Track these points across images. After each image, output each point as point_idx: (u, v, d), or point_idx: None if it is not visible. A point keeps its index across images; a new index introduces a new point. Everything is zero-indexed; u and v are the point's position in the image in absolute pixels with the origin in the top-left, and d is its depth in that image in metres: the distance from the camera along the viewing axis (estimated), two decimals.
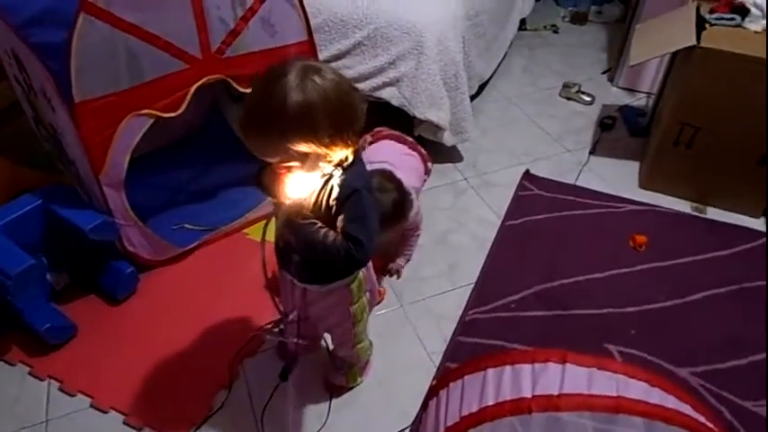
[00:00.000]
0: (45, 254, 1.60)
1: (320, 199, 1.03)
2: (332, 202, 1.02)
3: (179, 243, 1.80)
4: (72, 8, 1.31)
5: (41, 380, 1.50)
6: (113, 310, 1.67)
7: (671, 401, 0.88)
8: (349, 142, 1.00)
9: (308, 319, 1.30)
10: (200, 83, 1.57)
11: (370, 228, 1.05)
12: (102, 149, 1.47)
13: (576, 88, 2.66)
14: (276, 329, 1.35)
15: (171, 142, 2.17)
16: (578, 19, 3.34)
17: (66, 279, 1.67)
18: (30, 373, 1.52)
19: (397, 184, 1.50)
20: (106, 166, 1.49)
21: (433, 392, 1.08)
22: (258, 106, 0.96)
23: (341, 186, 1.01)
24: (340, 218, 1.03)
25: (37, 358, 1.54)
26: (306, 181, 1.02)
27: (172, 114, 1.54)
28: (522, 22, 3.06)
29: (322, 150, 0.97)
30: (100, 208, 1.57)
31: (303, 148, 0.96)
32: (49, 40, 1.36)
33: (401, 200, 1.48)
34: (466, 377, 1.00)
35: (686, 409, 0.89)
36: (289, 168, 1.03)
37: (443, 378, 1.06)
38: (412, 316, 1.68)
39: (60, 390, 1.48)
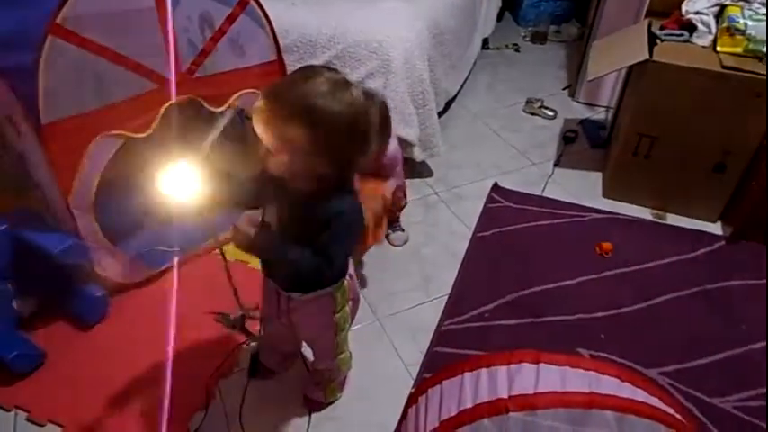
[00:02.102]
0: (11, 280, 1.56)
1: (304, 214, 1.06)
2: (317, 221, 1.04)
3: (151, 265, 1.78)
4: (39, 31, 1.30)
5: (7, 410, 1.46)
6: (84, 335, 1.64)
7: (641, 395, 0.91)
8: (347, 166, 1.03)
9: (291, 326, 1.31)
10: (169, 103, 1.57)
11: (347, 250, 1.13)
12: (72, 171, 1.45)
13: (538, 104, 2.76)
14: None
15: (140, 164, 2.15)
16: (538, 38, 3.47)
17: (34, 305, 1.63)
18: None
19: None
20: (75, 188, 1.47)
21: (411, 400, 1.09)
22: (293, 89, 0.96)
23: (329, 206, 1.04)
24: (323, 234, 1.05)
25: (2, 388, 1.49)
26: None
27: (142, 135, 1.54)
28: (485, 41, 3.17)
29: (315, 161, 0.99)
30: (69, 231, 1.54)
31: (304, 150, 0.96)
32: (16, 63, 1.35)
33: (386, 112, 1.48)
34: (444, 383, 1.01)
35: (655, 401, 0.92)
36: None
37: (422, 385, 1.08)
38: (388, 329, 1.70)
39: (28, 420, 1.44)
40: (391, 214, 1.75)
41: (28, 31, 1.34)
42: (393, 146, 1.66)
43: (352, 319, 1.35)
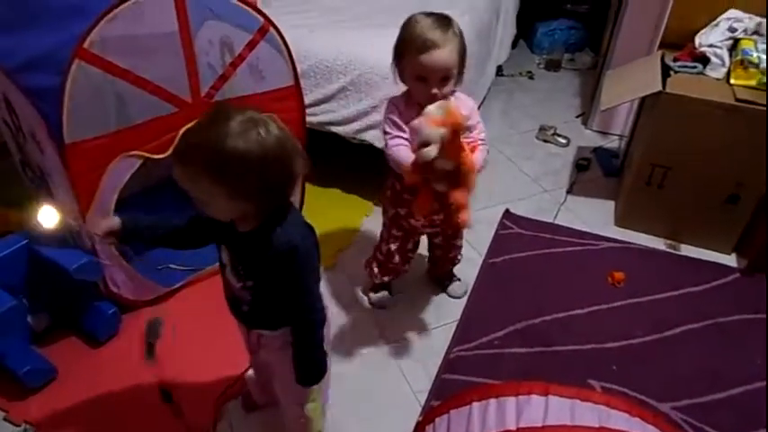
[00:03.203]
0: (26, 295, 1.59)
1: (254, 252, 1.04)
2: (268, 258, 1.02)
3: (163, 283, 1.80)
4: (66, 54, 1.35)
5: (17, 425, 1.47)
6: (95, 352, 1.65)
7: (651, 431, 0.90)
8: (277, 200, 1.01)
9: (264, 363, 1.29)
10: (188, 126, 1.61)
11: (317, 286, 1.10)
12: (91, 190, 1.48)
13: (552, 131, 2.77)
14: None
15: (157, 183, 2.18)
16: (552, 66, 3.50)
17: (47, 321, 1.65)
18: (5, 419, 1.48)
19: None
20: (94, 206, 1.50)
21: (419, 429, 1.09)
22: (196, 140, 0.95)
23: (277, 240, 1.01)
24: (288, 285, 1.04)
25: (14, 402, 1.51)
26: None
27: (161, 156, 1.57)
28: (500, 68, 3.20)
29: (242, 204, 0.98)
30: (85, 248, 1.57)
31: (225, 195, 0.95)
32: (42, 84, 1.40)
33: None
34: (452, 412, 1.01)
35: None
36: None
37: (430, 414, 1.07)
38: (396, 354, 1.69)
39: None
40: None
41: (55, 54, 1.38)
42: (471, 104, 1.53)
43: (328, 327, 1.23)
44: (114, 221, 1.15)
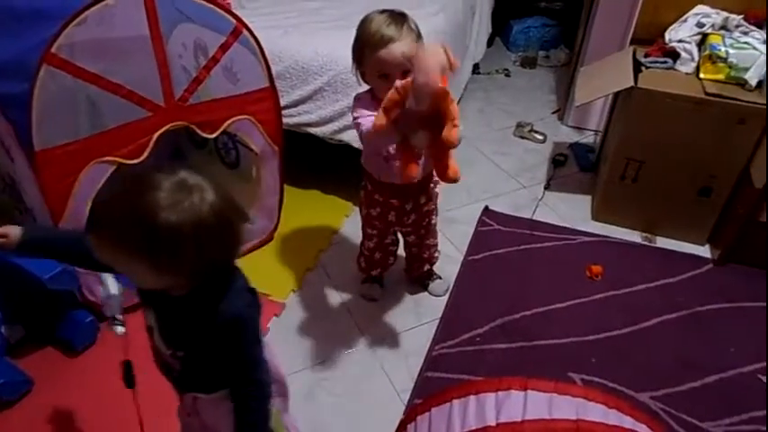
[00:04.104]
0: None
1: (189, 319, 0.93)
2: (207, 329, 0.92)
3: None
4: (33, 60, 1.33)
5: None
6: (72, 361, 1.62)
7: (628, 422, 0.91)
8: (214, 272, 0.89)
9: (205, 427, 1.14)
10: (162, 130, 1.59)
11: (262, 358, 1.01)
12: (63, 197, 1.46)
13: (528, 128, 2.80)
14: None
15: None
16: (528, 63, 3.53)
17: (22, 331, 1.62)
18: None
19: None
20: (67, 214, 1.48)
21: (401, 427, 1.09)
22: (118, 212, 0.82)
23: (219, 312, 0.90)
24: (230, 359, 0.96)
25: None
26: None
27: (134, 161, 1.55)
28: (476, 66, 3.22)
29: (178, 279, 0.87)
30: None
31: (150, 270, 0.83)
32: (10, 91, 1.37)
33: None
34: (433, 410, 1.01)
35: (643, 429, 0.92)
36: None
37: (411, 413, 1.08)
38: (379, 353, 1.69)
39: None
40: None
41: (22, 60, 1.35)
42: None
43: (287, 398, 1.21)
44: (14, 230, 1.04)
